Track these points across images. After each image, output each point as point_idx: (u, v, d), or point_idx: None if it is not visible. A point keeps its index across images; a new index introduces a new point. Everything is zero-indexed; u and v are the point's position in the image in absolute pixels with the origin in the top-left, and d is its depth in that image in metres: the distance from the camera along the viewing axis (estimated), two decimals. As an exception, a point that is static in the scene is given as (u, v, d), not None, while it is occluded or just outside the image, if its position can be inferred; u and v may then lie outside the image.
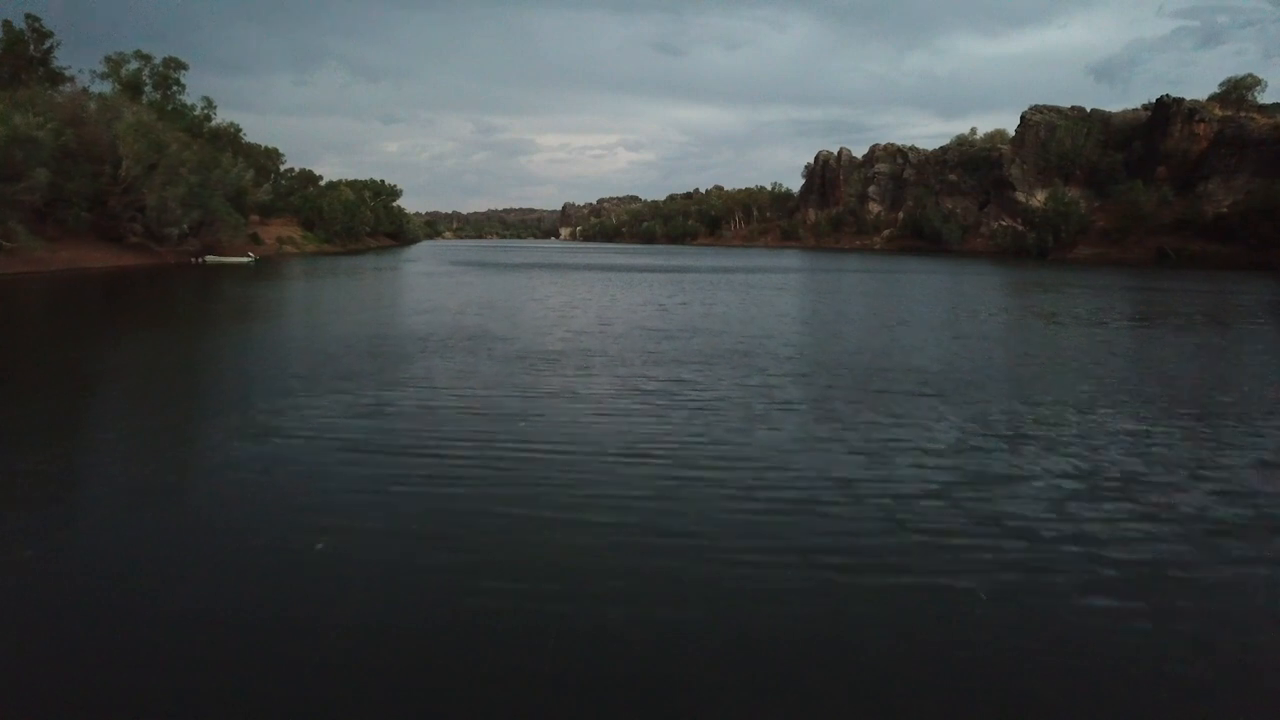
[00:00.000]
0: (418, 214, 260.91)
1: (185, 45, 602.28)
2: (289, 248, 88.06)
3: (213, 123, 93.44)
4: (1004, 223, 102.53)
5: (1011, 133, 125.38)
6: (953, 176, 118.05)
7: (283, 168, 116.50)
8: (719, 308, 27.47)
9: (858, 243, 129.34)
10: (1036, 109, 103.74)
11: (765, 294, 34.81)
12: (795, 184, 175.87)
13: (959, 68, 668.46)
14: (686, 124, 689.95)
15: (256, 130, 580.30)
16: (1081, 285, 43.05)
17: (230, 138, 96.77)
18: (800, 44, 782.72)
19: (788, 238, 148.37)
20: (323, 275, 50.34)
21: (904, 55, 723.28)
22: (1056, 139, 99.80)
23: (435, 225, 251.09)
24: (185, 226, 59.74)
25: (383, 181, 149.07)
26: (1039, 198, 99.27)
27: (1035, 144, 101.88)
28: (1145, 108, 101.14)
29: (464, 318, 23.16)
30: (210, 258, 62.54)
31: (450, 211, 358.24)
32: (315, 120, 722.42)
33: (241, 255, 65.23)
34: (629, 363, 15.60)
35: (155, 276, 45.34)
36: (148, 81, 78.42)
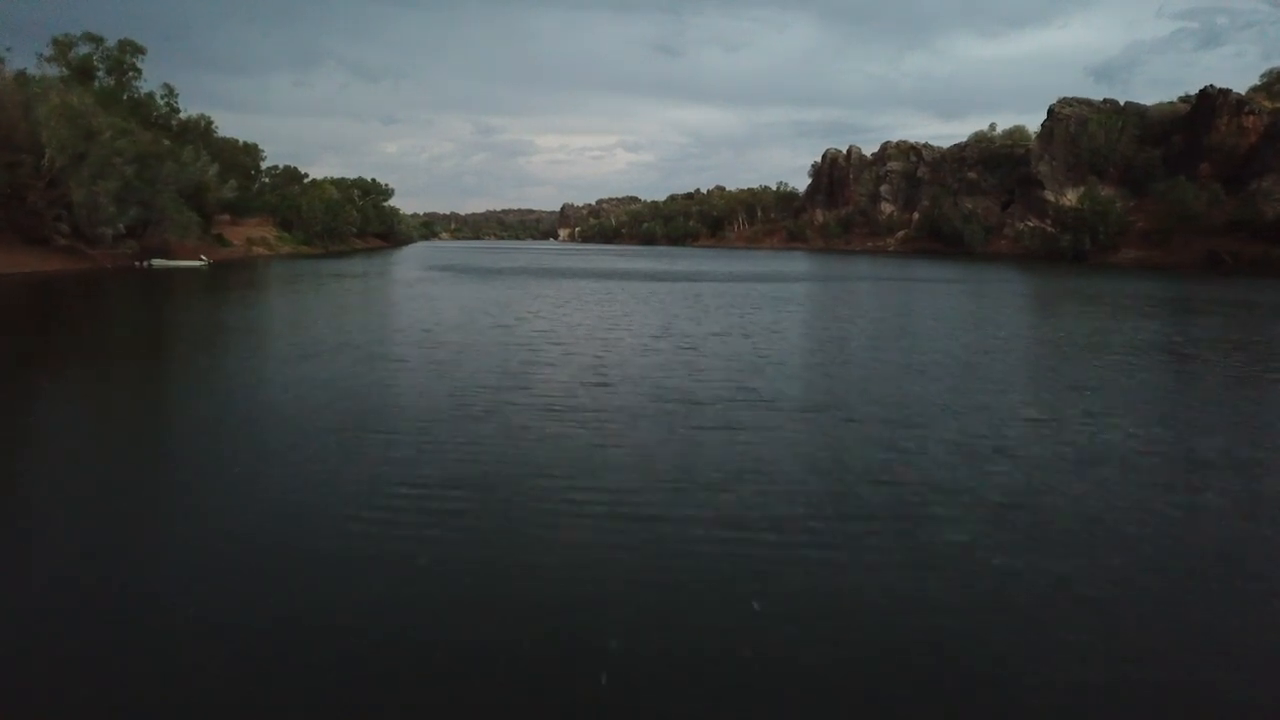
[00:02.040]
0: (415, 215, 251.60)
1: (183, 46, 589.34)
2: (260, 249, 79.01)
3: (181, 115, 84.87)
4: (1030, 223, 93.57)
5: (1027, 129, 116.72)
6: (972, 175, 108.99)
7: (264, 165, 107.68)
8: (774, 342, 18.54)
9: (869, 244, 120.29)
10: (1065, 102, 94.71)
11: (821, 313, 25.93)
12: (796, 184, 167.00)
13: (958, 69, 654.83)
14: (685, 125, 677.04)
15: (256, 132, 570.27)
16: (1196, 300, 34.07)
17: (201, 131, 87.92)
18: (799, 45, 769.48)
19: (794, 239, 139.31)
20: (268, 284, 41.59)
21: (903, 56, 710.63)
22: (1088, 134, 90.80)
23: (432, 226, 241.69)
24: (121, 226, 50.69)
25: (374, 180, 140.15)
26: (1070, 197, 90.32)
27: (1064, 139, 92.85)
28: (1183, 100, 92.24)
29: (369, 371, 14.15)
30: (157, 261, 53.89)
31: (449, 212, 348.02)
32: (315, 121, 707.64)
33: (193, 259, 56.27)
34: (656, 536, 6.56)
35: (79, 285, 36.95)
36: (99, 67, 69.18)
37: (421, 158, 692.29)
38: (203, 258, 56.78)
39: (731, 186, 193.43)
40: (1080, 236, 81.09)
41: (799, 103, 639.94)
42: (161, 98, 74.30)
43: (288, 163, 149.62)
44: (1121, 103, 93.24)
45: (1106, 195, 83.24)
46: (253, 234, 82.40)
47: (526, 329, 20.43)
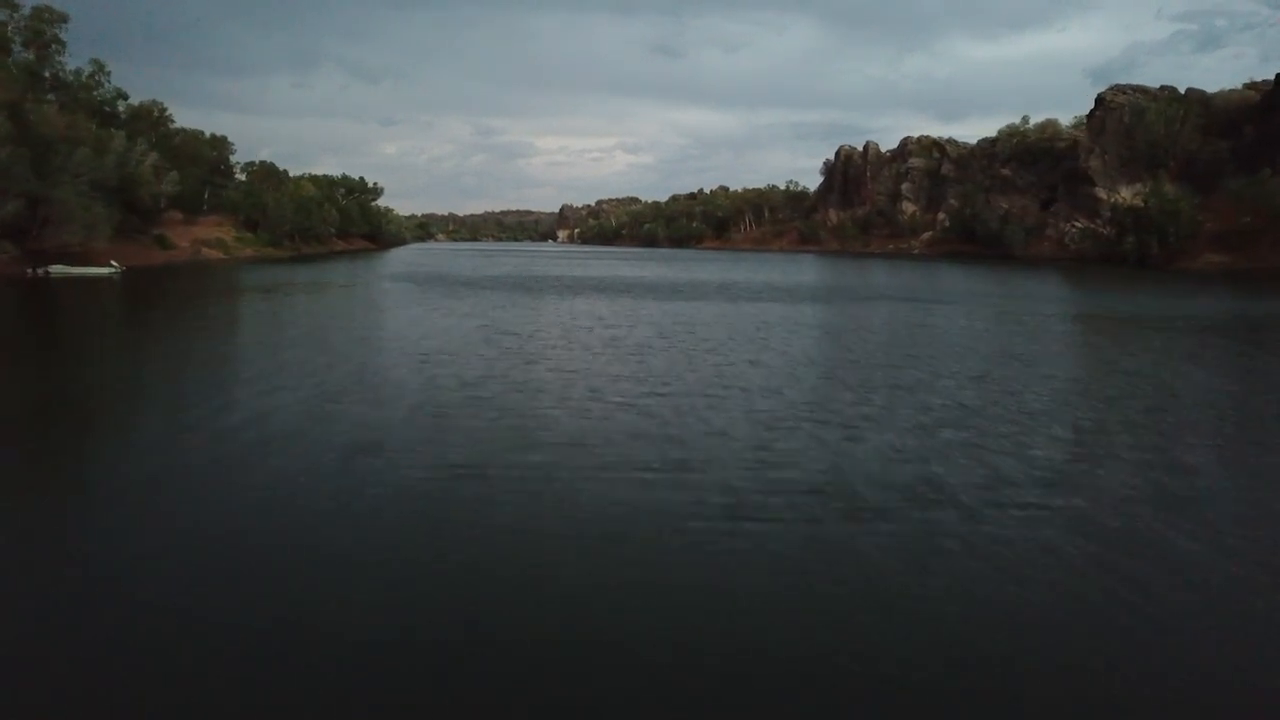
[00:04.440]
0: (413, 216, 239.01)
1: (183, 47, 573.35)
2: (213, 252, 67.04)
3: (129, 100, 73.16)
4: (1079, 224, 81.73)
5: (1060, 122, 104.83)
6: (1005, 171, 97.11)
7: (245, 161, 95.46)
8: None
9: (890, 246, 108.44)
10: (1118, 89, 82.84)
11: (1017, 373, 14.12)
12: (795, 184, 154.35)
13: (957, 70, 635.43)
14: (685, 126, 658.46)
15: (256, 133, 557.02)
16: None
17: (153, 120, 76.10)
18: (799, 47, 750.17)
19: (806, 240, 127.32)
20: (163, 302, 29.97)
21: (902, 58, 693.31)
22: (1145, 124, 78.89)
23: (428, 227, 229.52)
24: (-9, 224, 38.86)
25: (361, 179, 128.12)
26: (1124, 194, 78.49)
27: (1118, 131, 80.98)
28: (1249, 86, 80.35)
29: None
30: (56, 269, 42.40)
31: (447, 214, 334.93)
32: (314, 122, 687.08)
33: (103, 266, 44.41)
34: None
35: None
36: (15, 38, 57.14)
37: (421, 159, 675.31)
38: (113, 264, 44.79)
39: (732, 187, 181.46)
40: (1145, 239, 69.26)
41: (798, 104, 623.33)
42: (90, 75, 62.18)
43: (290, 164, 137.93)
44: (1181, 89, 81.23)
45: (1173, 192, 71.31)
46: (206, 235, 70.43)
47: (437, 466, 8.51)
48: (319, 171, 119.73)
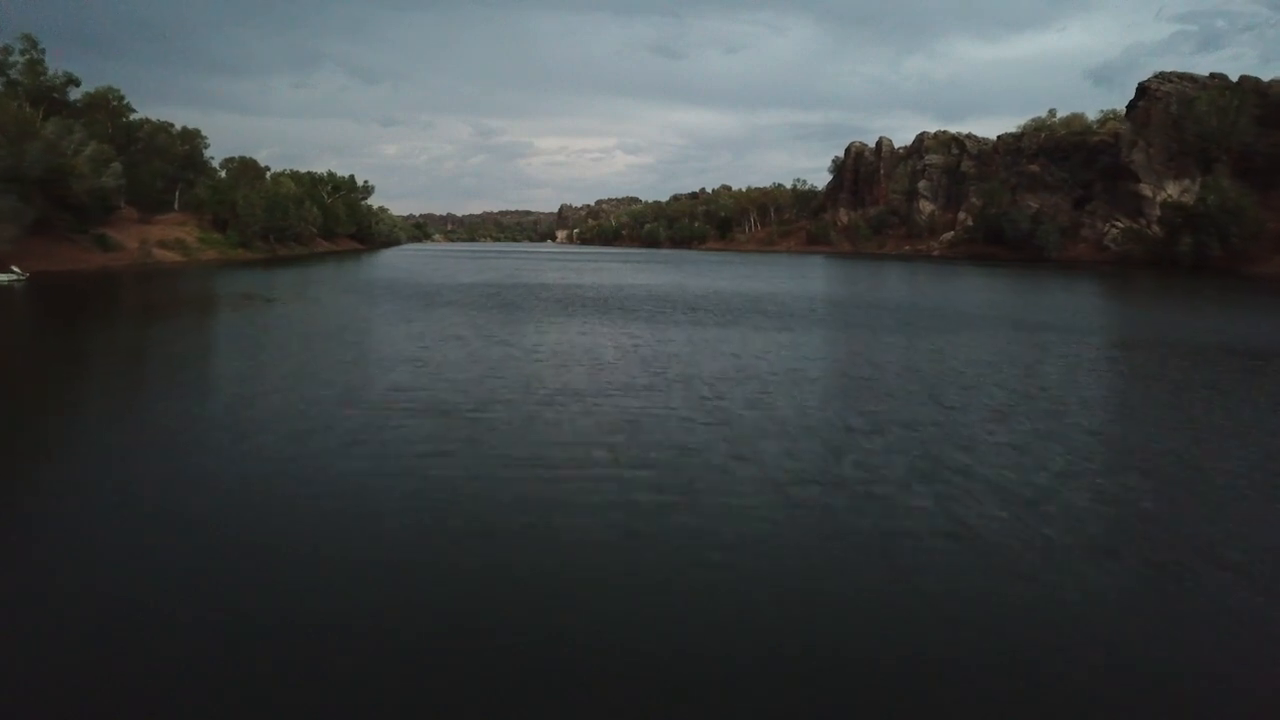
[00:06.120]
0: (411, 216, 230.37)
1: (184, 47, 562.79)
2: (169, 254, 58.53)
3: (81, 86, 64.92)
4: (1119, 223, 73.40)
5: (1087, 116, 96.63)
6: (1033, 168, 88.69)
7: (214, 155, 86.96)
8: None
9: (907, 247, 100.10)
10: (1164, 77, 74.47)
11: None
12: (803, 182, 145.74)
13: (957, 71, 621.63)
14: (684, 127, 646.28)
15: (257, 133, 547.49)
16: None
17: (110, 110, 67.73)
18: (799, 47, 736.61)
19: (815, 241, 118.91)
20: (31, 328, 21.67)
21: (902, 59, 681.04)
22: (1195, 115, 70.46)
23: (424, 228, 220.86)
24: None
25: (350, 177, 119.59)
26: (1171, 190, 70.22)
27: (1164, 122, 72.55)
28: (1307, 75, 71.93)
29: None
30: (-56, 276, 33.99)
31: (447, 214, 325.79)
32: (315, 123, 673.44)
33: (2, 271, 36.08)
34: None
35: None
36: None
37: (421, 159, 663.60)
38: (14, 270, 36.40)
39: (734, 187, 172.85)
40: (1204, 240, 60.96)
41: (798, 105, 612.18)
42: (22, 53, 53.71)
43: (290, 164, 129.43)
44: (1234, 78, 72.82)
45: (1232, 188, 62.97)
46: (165, 235, 61.95)
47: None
48: (318, 172, 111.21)
